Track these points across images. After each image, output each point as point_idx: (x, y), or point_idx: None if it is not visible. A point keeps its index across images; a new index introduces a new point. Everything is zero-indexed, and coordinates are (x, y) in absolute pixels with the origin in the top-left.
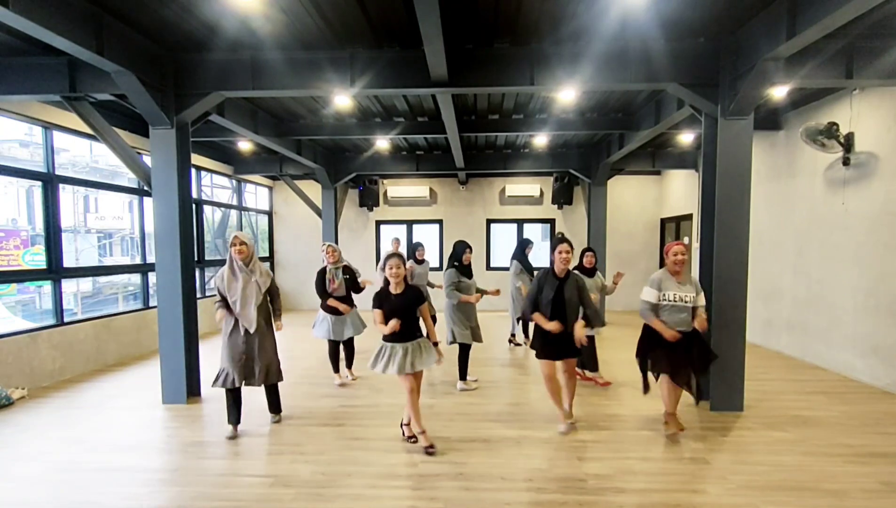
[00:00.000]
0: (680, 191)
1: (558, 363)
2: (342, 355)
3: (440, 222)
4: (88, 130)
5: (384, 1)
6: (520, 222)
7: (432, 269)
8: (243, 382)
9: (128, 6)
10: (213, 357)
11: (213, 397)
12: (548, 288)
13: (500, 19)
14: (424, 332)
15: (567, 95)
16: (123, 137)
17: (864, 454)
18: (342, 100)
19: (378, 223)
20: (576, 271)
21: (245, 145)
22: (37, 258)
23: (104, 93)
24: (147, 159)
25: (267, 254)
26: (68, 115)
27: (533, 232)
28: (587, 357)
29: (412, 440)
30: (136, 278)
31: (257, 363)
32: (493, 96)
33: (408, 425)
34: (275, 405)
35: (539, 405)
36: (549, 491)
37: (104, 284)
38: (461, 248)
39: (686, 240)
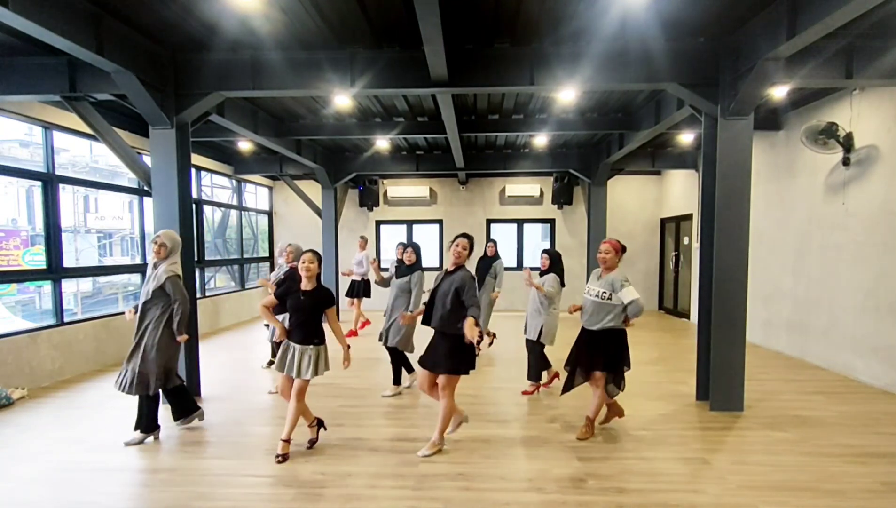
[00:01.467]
0: (680, 191)
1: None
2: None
3: (440, 222)
4: (88, 130)
5: (384, 1)
6: (520, 222)
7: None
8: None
9: (128, 6)
10: (213, 358)
11: (213, 397)
12: (436, 283)
13: (500, 19)
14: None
15: (567, 95)
16: (123, 137)
17: (863, 454)
18: (342, 100)
19: (378, 223)
20: (465, 269)
21: (245, 145)
22: (37, 258)
23: (104, 93)
24: (147, 159)
25: (267, 254)
26: (68, 115)
27: (533, 232)
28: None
29: (281, 458)
30: (136, 278)
31: (128, 366)
32: (493, 96)
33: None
34: (145, 417)
35: (537, 406)
36: (549, 491)
37: (104, 284)
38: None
39: (686, 240)
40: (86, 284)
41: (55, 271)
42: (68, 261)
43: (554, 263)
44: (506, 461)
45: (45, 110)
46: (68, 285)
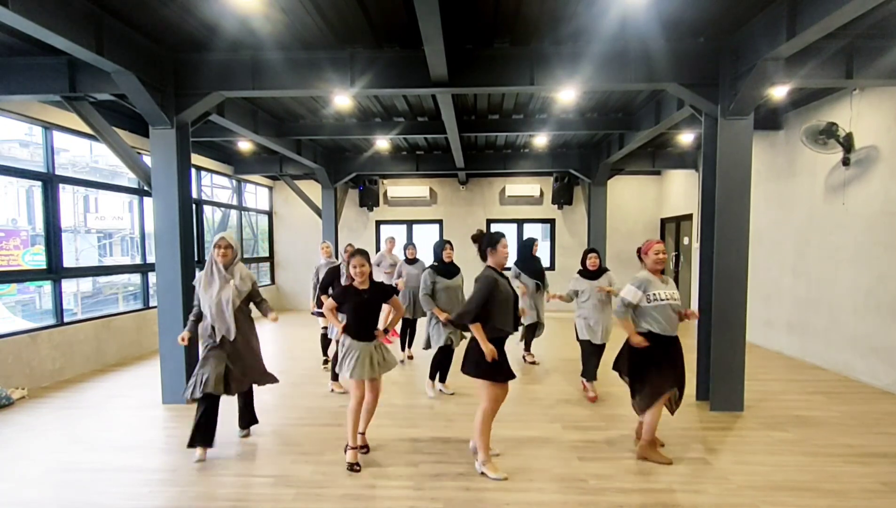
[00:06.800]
0: (680, 191)
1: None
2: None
3: (440, 222)
4: (88, 130)
5: (384, 1)
6: (520, 222)
7: None
8: (222, 390)
9: (128, 6)
10: None
11: None
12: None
13: (500, 19)
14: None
15: (567, 95)
16: (123, 137)
17: (864, 454)
18: (342, 100)
19: (378, 223)
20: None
21: (245, 145)
22: (37, 258)
23: (104, 93)
24: (147, 159)
25: (267, 254)
26: (68, 115)
27: (533, 232)
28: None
29: (356, 466)
30: (136, 278)
31: (237, 367)
32: (493, 96)
33: (354, 448)
34: (246, 416)
35: (539, 405)
36: (549, 491)
37: (104, 284)
38: (439, 246)
39: (686, 240)
40: (86, 284)
41: (55, 271)
42: (68, 261)
43: (601, 262)
44: (506, 461)
45: (45, 110)
46: (68, 285)
